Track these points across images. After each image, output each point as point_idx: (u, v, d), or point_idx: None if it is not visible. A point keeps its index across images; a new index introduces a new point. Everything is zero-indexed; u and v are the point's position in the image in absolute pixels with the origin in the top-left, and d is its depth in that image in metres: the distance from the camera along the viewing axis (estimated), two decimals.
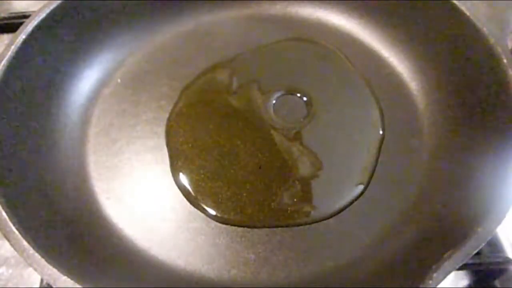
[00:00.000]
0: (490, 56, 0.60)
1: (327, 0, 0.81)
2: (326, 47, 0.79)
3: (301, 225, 0.61)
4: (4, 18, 0.92)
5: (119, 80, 0.76)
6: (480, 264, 0.62)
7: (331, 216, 0.61)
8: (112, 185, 0.66)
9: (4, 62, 0.61)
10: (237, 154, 0.66)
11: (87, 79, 0.74)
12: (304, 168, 0.65)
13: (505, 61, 0.59)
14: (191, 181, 0.65)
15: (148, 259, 0.59)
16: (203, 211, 0.63)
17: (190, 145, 0.69)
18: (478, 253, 0.47)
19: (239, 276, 0.58)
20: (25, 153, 0.61)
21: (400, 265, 0.55)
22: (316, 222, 0.61)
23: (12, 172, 0.57)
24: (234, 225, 0.61)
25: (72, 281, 0.46)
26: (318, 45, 0.80)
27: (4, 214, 0.50)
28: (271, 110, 0.71)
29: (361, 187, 0.64)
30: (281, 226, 0.61)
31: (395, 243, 0.59)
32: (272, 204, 0.62)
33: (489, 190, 0.53)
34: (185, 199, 0.64)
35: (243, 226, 0.61)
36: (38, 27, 0.65)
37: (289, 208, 0.62)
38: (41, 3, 0.67)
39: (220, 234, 0.60)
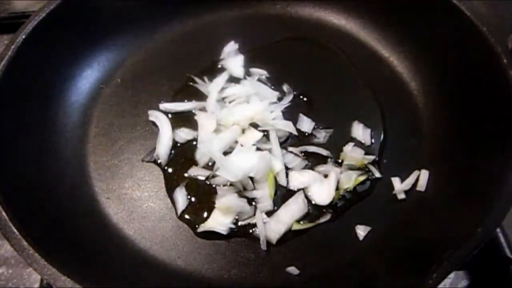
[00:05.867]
0: (490, 56, 0.60)
1: (327, 0, 0.82)
2: (326, 47, 0.79)
3: (302, 225, 0.61)
4: (4, 18, 0.92)
5: (119, 80, 0.76)
6: (480, 264, 0.62)
7: (332, 216, 0.61)
8: (112, 185, 0.66)
9: (4, 62, 0.61)
10: None
11: (87, 79, 0.74)
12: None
13: (505, 61, 0.59)
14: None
15: (148, 259, 0.59)
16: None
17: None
18: (478, 253, 0.47)
19: (239, 276, 0.58)
20: (25, 153, 0.61)
21: (400, 265, 0.56)
22: (318, 223, 0.61)
23: (12, 172, 0.57)
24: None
25: (72, 281, 0.46)
26: (318, 45, 0.80)
27: (4, 214, 0.50)
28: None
29: (362, 186, 0.64)
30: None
31: (395, 243, 0.59)
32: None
33: (489, 190, 0.53)
34: None
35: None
36: (38, 27, 0.65)
37: None
38: (41, 3, 0.68)
39: (220, 234, 0.60)
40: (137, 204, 0.64)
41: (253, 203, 0.62)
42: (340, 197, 0.63)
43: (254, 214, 0.61)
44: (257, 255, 0.59)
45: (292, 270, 0.57)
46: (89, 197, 0.64)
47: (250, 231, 0.61)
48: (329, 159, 0.66)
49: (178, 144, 0.69)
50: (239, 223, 0.61)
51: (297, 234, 0.60)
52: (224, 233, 0.60)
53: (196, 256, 0.59)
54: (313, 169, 0.65)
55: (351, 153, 0.65)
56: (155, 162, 0.67)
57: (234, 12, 0.83)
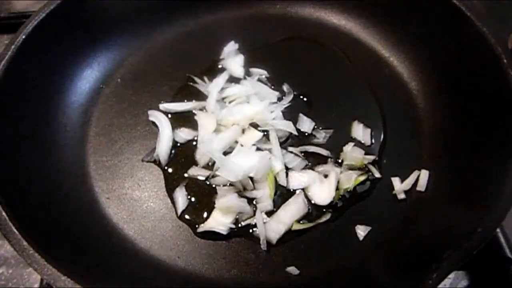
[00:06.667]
0: (490, 56, 0.60)
1: (327, 0, 0.82)
2: (326, 47, 0.79)
3: (302, 225, 0.61)
4: (4, 18, 0.92)
5: (119, 80, 0.76)
6: (480, 264, 0.62)
7: (332, 216, 0.61)
8: (112, 185, 0.66)
9: (4, 62, 0.61)
10: None
11: (87, 79, 0.74)
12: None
13: (505, 61, 0.59)
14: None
15: (148, 259, 0.59)
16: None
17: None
18: (478, 253, 0.47)
19: (239, 276, 0.58)
20: (25, 153, 0.61)
21: (400, 265, 0.56)
22: (318, 223, 0.61)
23: (12, 172, 0.57)
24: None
25: (72, 281, 0.46)
26: (318, 45, 0.80)
27: (4, 214, 0.50)
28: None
29: (362, 186, 0.64)
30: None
31: (395, 243, 0.59)
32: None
33: (489, 190, 0.53)
34: None
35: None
36: (38, 27, 0.65)
37: None
38: (41, 3, 0.68)
39: (220, 234, 0.60)
40: (137, 204, 0.64)
41: (253, 203, 0.62)
42: (340, 197, 0.63)
43: (254, 214, 0.61)
44: (257, 255, 0.59)
45: (292, 270, 0.57)
46: (89, 197, 0.64)
47: (250, 231, 0.61)
48: (329, 159, 0.66)
49: (178, 144, 0.69)
50: (239, 223, 0.61)
51: (297, 234, 0.60)
52: (224, 233, 0.60)
53: (196, 256, 0.59)
54: (313, 169, 0.65)
55: (351, 153, 0.65)
56: (155, 162, 0.67)
57: (234, 12, 0.83)
